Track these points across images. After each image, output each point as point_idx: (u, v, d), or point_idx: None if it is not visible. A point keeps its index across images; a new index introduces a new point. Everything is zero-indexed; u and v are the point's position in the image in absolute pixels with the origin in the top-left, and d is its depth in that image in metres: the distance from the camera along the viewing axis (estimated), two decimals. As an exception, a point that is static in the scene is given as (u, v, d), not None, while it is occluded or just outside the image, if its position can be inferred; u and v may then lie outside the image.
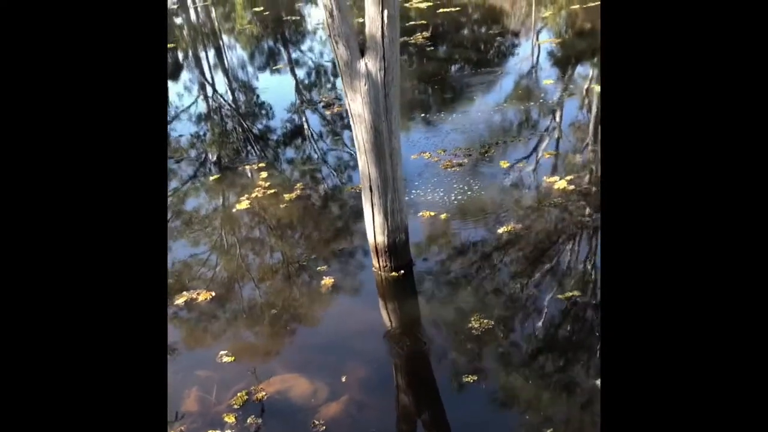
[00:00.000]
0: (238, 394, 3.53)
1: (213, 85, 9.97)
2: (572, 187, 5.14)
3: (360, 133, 3.91)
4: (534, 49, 9.12)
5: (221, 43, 12.43)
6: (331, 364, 3.68)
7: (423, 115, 7.06)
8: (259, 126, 7.89)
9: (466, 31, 10.45)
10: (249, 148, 7.22)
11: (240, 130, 7.84)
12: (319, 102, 8.06)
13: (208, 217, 5.66)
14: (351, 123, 3.98)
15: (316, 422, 3.27)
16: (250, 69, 10.49)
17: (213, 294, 4.46)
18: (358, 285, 4.47)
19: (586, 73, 7.90)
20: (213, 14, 14.67)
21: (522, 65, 8.48)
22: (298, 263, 4.70)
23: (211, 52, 12.05)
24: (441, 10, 11.08)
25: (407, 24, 10.29)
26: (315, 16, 12.58)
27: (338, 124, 7.28)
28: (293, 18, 12.69)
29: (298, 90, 8.94)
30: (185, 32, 13.52)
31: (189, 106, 8.85)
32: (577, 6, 10.39)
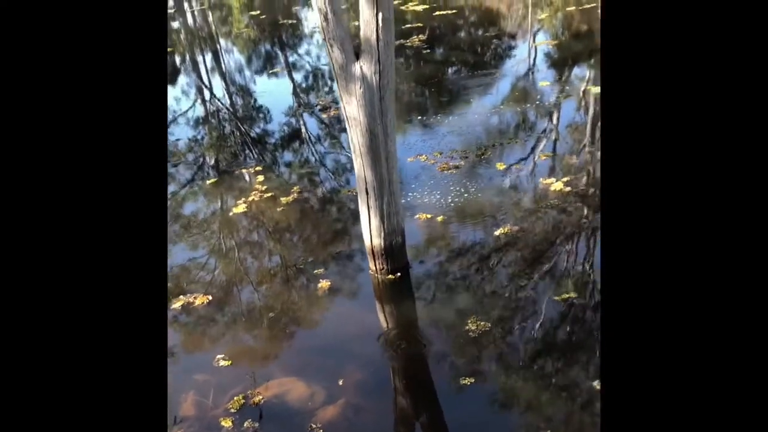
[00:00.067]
0: (235, 398, 3.52)
1: (210, 89, 9.98)
2: (569, 188, 5.14)
3: (355, 136, 3.91)
4: (531, 51, 9.14)
5: (218, 46, 12.44)
6: (328, 367, 3.67)
7: (419, 117, 7.06)
8: (257, 129, 7.90)
9: (462, 34, 10.47)
10: (246, 151, 7.23)
11: (237, 133, 7.84)
12: (316, 105, 8.07)
13: (206, 221, 5.66)
14: (346, 126, 3.98)
15: (313, 426, 3.27)
16: (247, 73, 10.51)
17: (210, 298, 4.46)
18: (355, 288, 4.47)
19: (583, 75, 7.92)
20: (210, 18, 14.69)
21: (519, 67, 8.50)
22: (295, 266, 4.70)
23: (209, 56, 12.06)
24: (437, 12, 11.10)
25: (403, 27, 10.31)
26: (312, 19, 12.60)
27: (336, 127, 7.29)
28: (290, 21, 12.71)
29: (295, 93, 8.95)
30: (182, 36, 13.52)
31: (187, 110, 8.85)
32: (573, 8, 10.41)
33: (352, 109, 3.83)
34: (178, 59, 11.69)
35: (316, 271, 4.59)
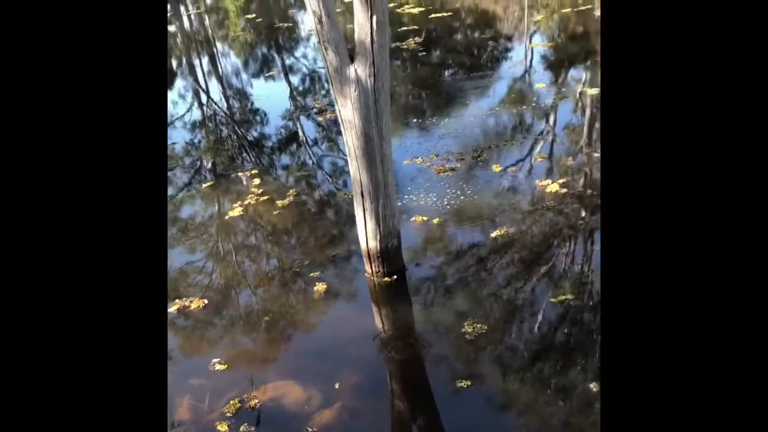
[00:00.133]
0: (231, 402, 3.51)
1: (207, 93, 9.97)
2: (565, 190, 5.14)
3: (351, 139, 3.91)
4: (527, 53, 9.14)
5: (215, 50, 12.44)
6: (324, 370, 3.67)
7: (416, 120, 7.06)
8: (253, 133, 7.90)
9: (458, 36, 10.48)
10: (243, 154, 7.22)
11: (234, 137, 7.84)
12: (313, 108, 8.07)
13: (202, 224, 5.65)
14: (342, 129, 3.98)
15: (309, 429, 3.26)
16: (244, 76, 10.51)
17: (206, 301, 4.45)
18: (352, 291, 4.46)
19: (579, 77, 7.93)
20: (206, 22, 14.70)
21: (515, 69, 8.50)
22: (291, 269, 4.69)
23: (205, 60, 12.06)
24: (433, 15, 11.11)
25: (400, 29, 10.32)
26: (308, 22, 12.59)
27: (332, 130, 7.28)
28: (286, 25, 12.71)
29: (292, 96, 8.95)
30: (179, 40, 13.52)
31: (183, 114, 8.85)
32: (569, 9, 10.43)
33: (347, 111, 3.83)
34: (174, 63, 11.69)
35: (312, 274, 4.58)
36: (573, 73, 8.20)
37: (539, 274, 4.26)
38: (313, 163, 6.62)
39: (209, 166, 6.95)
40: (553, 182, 5.26)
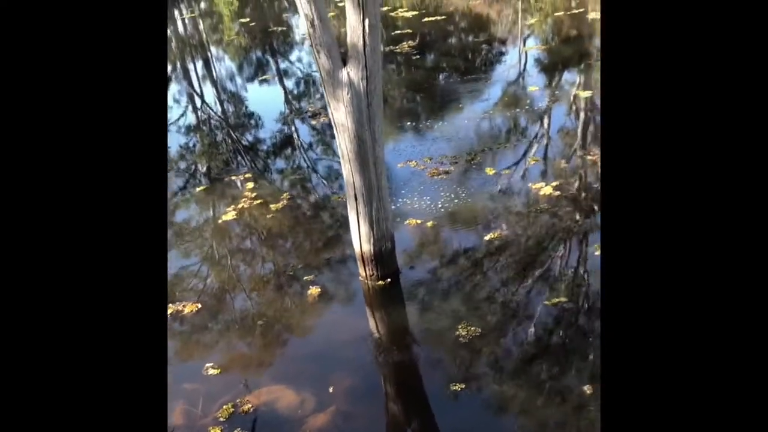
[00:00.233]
0: (224, 407, 3.50)
1: (202, 97, 9.96)
2: (559, 192, 5.15)
3: (343, 142, 3.91)
4: (521, 56, 9.16)
5: (209, 54, 12.43)
6: (318, 374, 3.66)
7: (410, 123, 7.06)
8: (248, 137, 7.89)
9: (452, 40, 10.49)
10: (238, 158, 7.21)
11: (228, 141, 7.83)
12: (307, 111, 8.07)
13: (197, 228, 5.64)
14: (335, 132, 3.97)
15: (303, 433, 3.25)
16: (238, 80, 10.50)
17: (199, 306, 4.44)
18: (346, 294, 4.45)
19: (573, 80, 7.94)
20: (201, 26, 14.70)
21: (509, 72, 8.52)
22: (285, 273, 4.68)
23: (200, 64, 12.05)
24: (427, 18, 11.12)
25: (394, 33, 10.33)
26: (302, 26, 12.58)
27: (326, 133, 7.28)
28: (280, 29, 12.72)
29: (286, 100, 8.95)
30: (173, 44, 13.51)
31: (178, 118, 8.83)
32: (561, 13, 10.46)
33: (340, 115, 3.83)
34: (169, 67, 11.67)
35: (306, 277, 4.57)
36: (567, 76, 8.22)
37: (534, 277, 4.26)
38: (307, 166, 6.62)
39: (204, 170, 6.94)
40: (547, 185, 5.26)
